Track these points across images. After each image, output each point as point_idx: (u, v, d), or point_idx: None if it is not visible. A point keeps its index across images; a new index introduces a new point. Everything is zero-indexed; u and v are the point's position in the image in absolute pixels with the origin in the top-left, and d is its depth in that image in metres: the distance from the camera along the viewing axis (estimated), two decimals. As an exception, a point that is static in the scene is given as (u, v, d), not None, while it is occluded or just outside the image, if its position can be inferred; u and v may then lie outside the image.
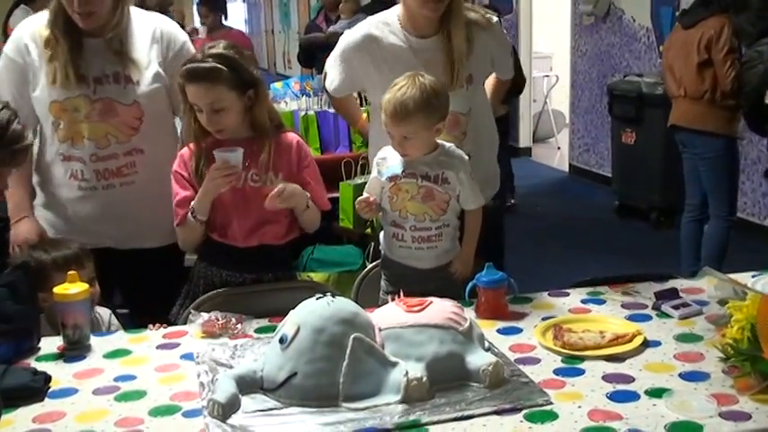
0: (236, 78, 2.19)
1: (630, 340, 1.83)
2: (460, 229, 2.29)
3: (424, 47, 2.47)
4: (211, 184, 2.18)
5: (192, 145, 2.27)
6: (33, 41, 2.39)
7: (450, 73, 2.43)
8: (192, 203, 2.22)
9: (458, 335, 1.71)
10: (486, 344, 1.80)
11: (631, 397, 1.60)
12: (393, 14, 2.52)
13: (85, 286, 1.96)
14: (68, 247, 2.23)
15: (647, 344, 1.84)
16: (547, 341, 1.85)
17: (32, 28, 2.42)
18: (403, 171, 2.20)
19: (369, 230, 3.76)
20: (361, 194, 2.30)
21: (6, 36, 6.52)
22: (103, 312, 2.27)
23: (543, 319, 2.00)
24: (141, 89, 2.41)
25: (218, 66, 2.16)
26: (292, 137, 2.34)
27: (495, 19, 2.64)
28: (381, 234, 2.36)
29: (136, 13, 2.48)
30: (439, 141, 2.24)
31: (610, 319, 1.98)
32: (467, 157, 2.26)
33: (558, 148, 8.72)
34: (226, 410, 1.54)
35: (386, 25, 2.51)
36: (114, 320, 2.29)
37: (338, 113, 2.94)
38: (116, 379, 1.77)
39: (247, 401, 1.60)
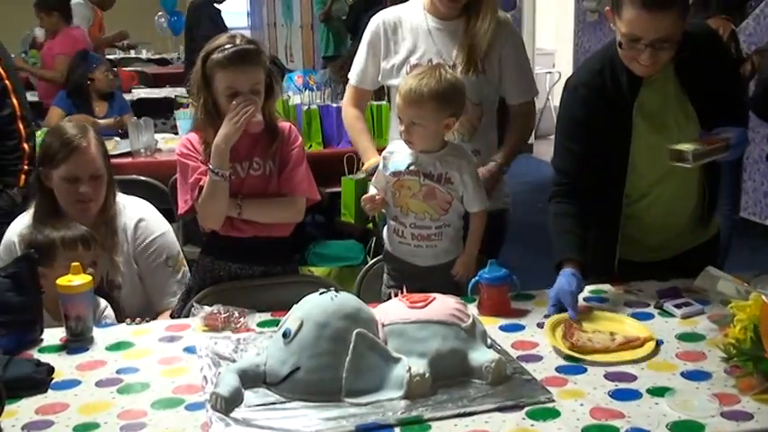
0: (266, 64, 2.25)
1: (641, 345, 1.78)
2: (465, 229, 2.29)
3: (444, 27, 2.52)
4: (229, 127, 2.16)
5: (201, 133, 2.25)
6: (20, 243, 2.35)
7: (464, 57, 2.46)
8: (210, 163, 2.18)
9: (461, 331, 1.71)
10: (489, 341, 1.80)
11: (633, 395, 1.60)
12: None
13: (89, 278, 1.96)
14: (76, 227, 2.26)
15: (657, 350, 1.80)
16: (556, 339, 1.82)
17: (19, 228, 2.40)
18: (407, 167, 2.20)
19: (370, 225, 3.77)
20: (364, 189, 2.30)
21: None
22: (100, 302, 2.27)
23: (546, 316, 2.00)
24: (123, 294, 2.42)
25: (260, 49, 2.23)
26: (285, 124, 2.36)
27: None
28: (385, 228, 2.35)
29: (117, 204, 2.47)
30: (447, 140, 2.24)
31: (625, 320, 1.93)
32: (474, 159, 2.26)
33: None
34: (228, 404, 1.54)
35: (409, 6, 2.58)
36: (109, 312, 2.27)
37: (348, 116, 2.75)
38: (119, 371, 1.77)
39: (250, 395, 1.60)
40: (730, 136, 2.06)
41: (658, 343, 1.84)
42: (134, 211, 2.49)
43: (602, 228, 2.24)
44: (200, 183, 2.21)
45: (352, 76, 2.69)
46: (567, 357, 1.77)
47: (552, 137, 8.40)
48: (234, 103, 2.17)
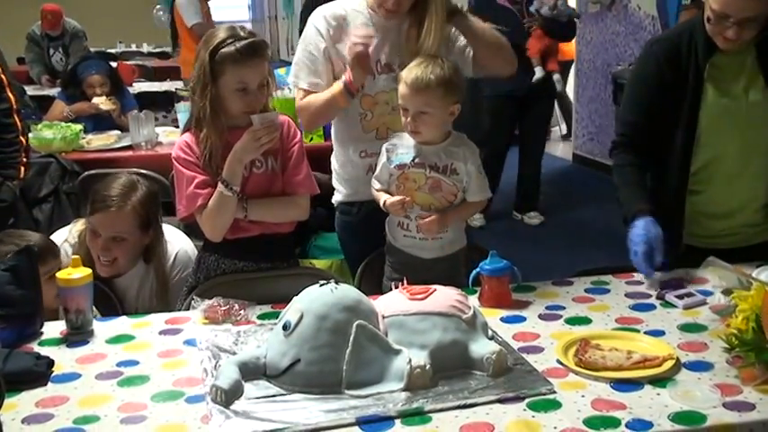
0: (269, 56, 2.25)
1: (659, 364, 1.65)
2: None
3: (388, 25, 2.37)
4: (252, 144, 2.16)
5: (196, 132, 2.22)
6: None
7: (413, 52, 2.26)
8: (223, 174, 2.17)
9: (461, 323, 1.70)
10: (490, 332, 1.79)
11: (635, 386, 1.59)
12: None
13: (88, 271, 1.95)
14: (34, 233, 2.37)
15: (678, 369, 1.67)
16: (567, 358, 1.70)
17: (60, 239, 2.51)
18: (412, 160, 2.19)
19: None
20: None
21: (172, 12, 6.65)
22: None
23: (547, 307, 2.00)
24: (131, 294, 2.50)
25: (265, 40, 2.23)
26: (283, 118, 2.33)
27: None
28: (387, 221, 2.34)
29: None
30: (449, 130, 2.23)
31: (645, 339, 1.80)
32: (476, 148, 2.25)
33: (562, 136, 8.71)
34: (229, 396, 1.54)
35: (349, 4, 2.41)
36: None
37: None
38: (119, 364, 1.77)
39: (250, 388, 1.60)
40: None
41: (657, 333, 1.83)
42: (174, 240, 2.55)
43: (668, 205, 2.28)
44: (199, 200, 2.19)
45: (302, 81, 2.44)
46: (575, 373, 1.66)
47: (555, 129, 8.32)
48: (257, 120, 2.16)
